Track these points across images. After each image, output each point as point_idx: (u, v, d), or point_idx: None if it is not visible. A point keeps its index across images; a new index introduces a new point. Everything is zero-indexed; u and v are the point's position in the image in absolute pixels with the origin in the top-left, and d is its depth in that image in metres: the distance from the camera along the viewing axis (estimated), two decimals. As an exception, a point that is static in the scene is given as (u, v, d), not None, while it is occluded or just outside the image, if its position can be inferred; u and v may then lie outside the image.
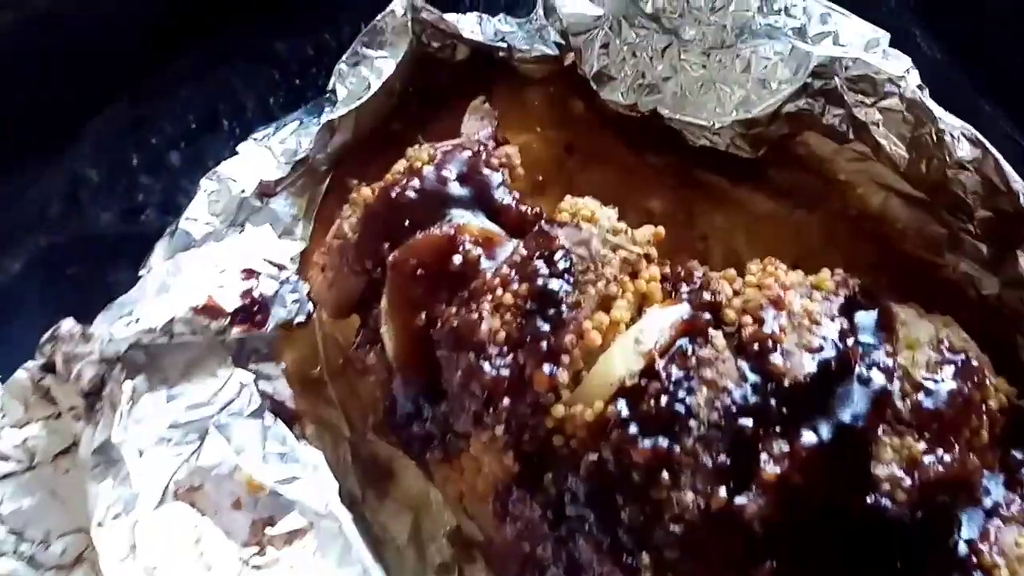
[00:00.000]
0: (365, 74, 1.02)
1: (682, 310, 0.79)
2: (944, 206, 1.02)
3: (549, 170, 1.10)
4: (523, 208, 0.89)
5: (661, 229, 0.87)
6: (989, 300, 1.03)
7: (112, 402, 0.73)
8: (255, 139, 0.99)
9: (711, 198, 1.11)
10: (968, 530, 0.79)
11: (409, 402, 0.85)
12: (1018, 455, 0.84)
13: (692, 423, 0.73)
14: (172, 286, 0.77)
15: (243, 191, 0.95)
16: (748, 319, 0.78)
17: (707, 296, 0.80)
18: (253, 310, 0.80)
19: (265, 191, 0.97)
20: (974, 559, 0.77)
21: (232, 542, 0.74)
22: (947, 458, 0.76)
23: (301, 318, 0.86)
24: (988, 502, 0.81)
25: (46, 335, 0.76)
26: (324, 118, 0.98)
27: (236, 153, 0.97)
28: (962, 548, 0.77)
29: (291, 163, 0.97)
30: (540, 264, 0.80)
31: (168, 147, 1.13)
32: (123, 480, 0.71)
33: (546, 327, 0.77)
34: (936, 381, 0.79)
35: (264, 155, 0.97)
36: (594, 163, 1.12)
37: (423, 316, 0.83)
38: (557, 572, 0.76)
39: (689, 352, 0.76)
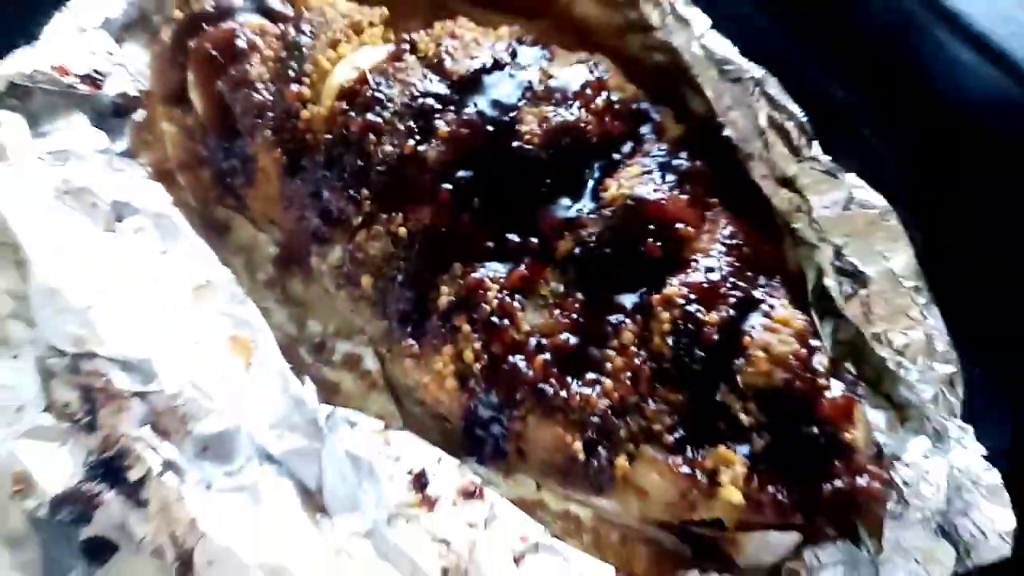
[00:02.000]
0: None
1: (389, 48, 1.16)
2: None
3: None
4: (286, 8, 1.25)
5: (385, 10, 1.23)
6: (662, 65, 1.40)
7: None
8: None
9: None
10: (601, 172, 1.16)
11: (220, 149, 1.21)
12: (642, 130, 1.21)
13: (389, 104, 1.10)
14: (39, 45, 1.15)
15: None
16: (432, 46, 1.15)
17: (408, 37, 1.17)
18: (95, 77, 1.14)
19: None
20: (600, 188, 1.14)
21: (93, 226, 1.08)
22: (568, 116, 1.13)
23: (134, 91, 1.21)
24: (617, 157, 1.18)
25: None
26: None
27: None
28: (591, 184, 1.14)
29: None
30: (291, 29, 1.17)
31: None
32: (12, 171, 1.06)
33: (294, 64, 1.14)
34: (566, 72, 1.16)
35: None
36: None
37: (219, 83, 1.19)
38: (317, 221, 1.12)
39: (389, 68, 1.13)
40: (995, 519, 1.08)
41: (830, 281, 1.19)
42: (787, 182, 1.21)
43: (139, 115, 1.29)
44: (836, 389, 1.09)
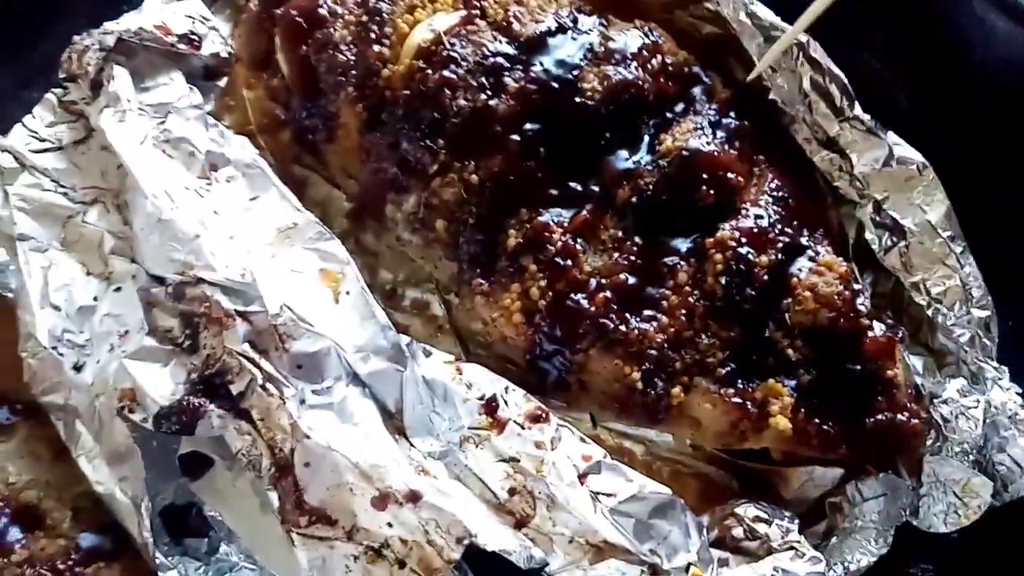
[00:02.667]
0: None
1: (461, 13, 1.25)
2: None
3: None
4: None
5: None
6: (709, 37, 1.48)
7: (107, 80, 1.18)
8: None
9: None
10: (656, 128, 1.25)
11: (303, 108, 1.31)
12: (694, 92, 1.29)
13: (463, 63, 1.20)
14: (144, 9, 1.26)
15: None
16: (500, 11, 1.24)
17: (478, 3, 1.26)
18: (192, 38, 1.25)
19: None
20: (655, 142, 1.23)
21: (189, 173, 1.19)
22: (627, 75, 1.22)
23: (224, 53, 1.31)
24: (671, 115, 1.27)
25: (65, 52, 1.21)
26: None
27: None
28: (647, 138, 1.23)
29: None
30: (372, -1, 1.27)
31: None
32: (121, 119, 1.16)
33: (375, 27, 1.24)
34: (624, 36, 1.25)
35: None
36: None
37: (303, 48, 1.29)
38: (394, 170, 1.21)
39: (462, 31, 1.22)
40: (1032, 453, 1.15)
41: (870, 235, 1.26)
42: (829, 142, 1.29)
43: (222, 82, 1.40)
44: (878, 329, 1.17)
